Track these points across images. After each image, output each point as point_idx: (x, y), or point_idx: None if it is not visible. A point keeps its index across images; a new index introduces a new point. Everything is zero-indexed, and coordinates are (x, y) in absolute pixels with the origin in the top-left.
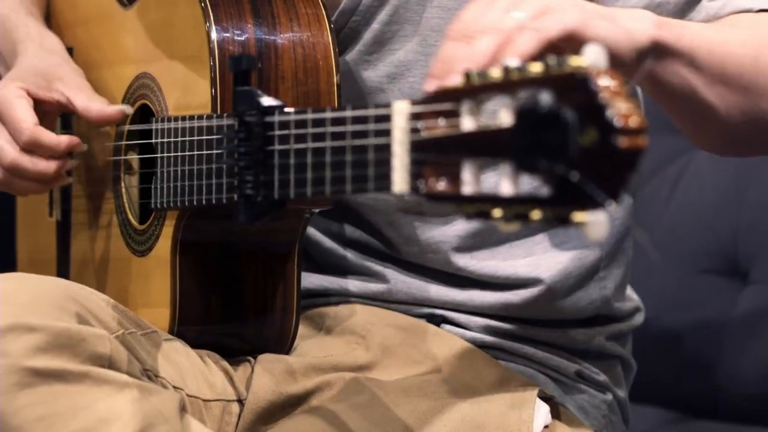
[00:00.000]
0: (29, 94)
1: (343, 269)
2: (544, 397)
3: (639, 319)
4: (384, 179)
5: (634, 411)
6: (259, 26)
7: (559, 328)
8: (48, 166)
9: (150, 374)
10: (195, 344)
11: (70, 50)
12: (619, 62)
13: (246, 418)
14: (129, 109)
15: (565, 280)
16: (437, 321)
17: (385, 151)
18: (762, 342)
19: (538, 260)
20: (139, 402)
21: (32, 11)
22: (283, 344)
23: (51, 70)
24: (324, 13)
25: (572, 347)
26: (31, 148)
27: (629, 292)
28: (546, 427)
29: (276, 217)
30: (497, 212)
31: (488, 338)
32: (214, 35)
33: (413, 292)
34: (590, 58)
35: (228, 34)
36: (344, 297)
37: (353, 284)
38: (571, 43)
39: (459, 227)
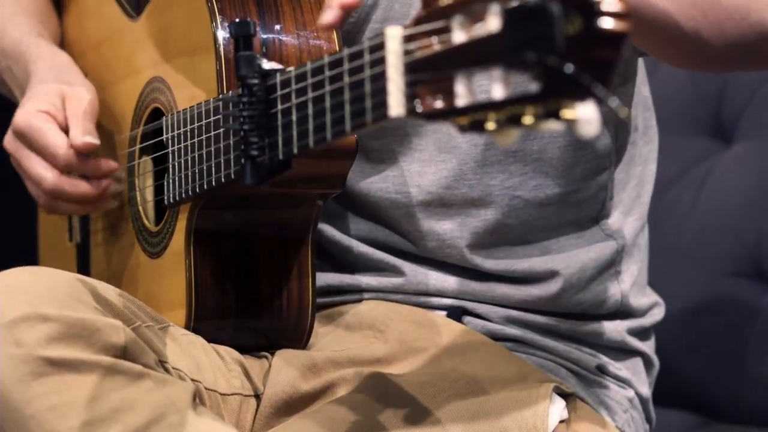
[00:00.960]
0: (51, 115)
1: (360, 265)
2: (562, 393)
3: (659, 314)
4: (381, 107)
5: (658, 414)
6: (263, 14)
7: (579, 320)
8: (90, 188)
9: (167, 366)
10: (211, 340)
11: (85, 75)
12: None
13: (263, 412)
14: (95, 141)
15: (582, 273)
16: (458, 313)
17: (380, 79)
18: None
19: (553, 256)
20: (151, 392)
21: (42, 33)
22: (300, 338)
23: (62, 87)
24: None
25: (593, 341)
26: (70, 170)
27: (649, 290)
28: (563, 421)
29: (288, 205)
30: (491, 118)
31: (510, 330)
32: (216, 23)
33: (431, 283)
34: None
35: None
36: (362, 293)
37: (371, 279)
38: None
39: (476, 224)
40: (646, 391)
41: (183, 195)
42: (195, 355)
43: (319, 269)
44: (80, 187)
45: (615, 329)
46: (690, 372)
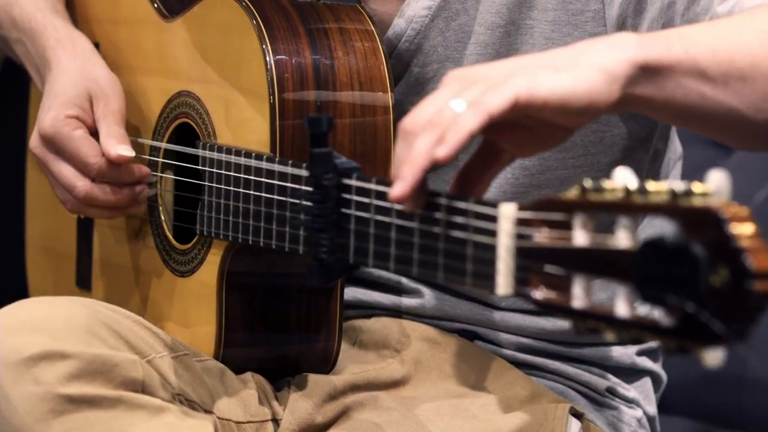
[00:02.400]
0: (80, 120)
1: (376, 284)
2: (575, 413)
3: None
4: (487, 279)
5: (661, 422)
6: (317, 60)
7: (591, 346)
8: (122, 195)
9: (181, 398)
10: (239, 367)
11: (96, 45)
12: (597, 105)
13: None
14: (130, 153)
15: None
16: (469, 337)
17: (488, 251)
18: None
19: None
20: (174, 426)
21: (58, 9)
22: (326, 364)
23: (92, 86)
24: (379, 44)
25: (603, 363)
26: (101, 179)
27: None
28: None
29: None
30: (611, 331)
31: (520, 355)
32: (272, 68)
33: (446, 308)
34: (715, 185)
35: (286, 69)
36: (377, 310)
37: (386, 297)
38: (529, 109)
39: None
40: (653, 410)
41: (220, 237)
42: (210, 384)
43: None
44: (113, 195)
45: (625, 353)
46: (692, 379)
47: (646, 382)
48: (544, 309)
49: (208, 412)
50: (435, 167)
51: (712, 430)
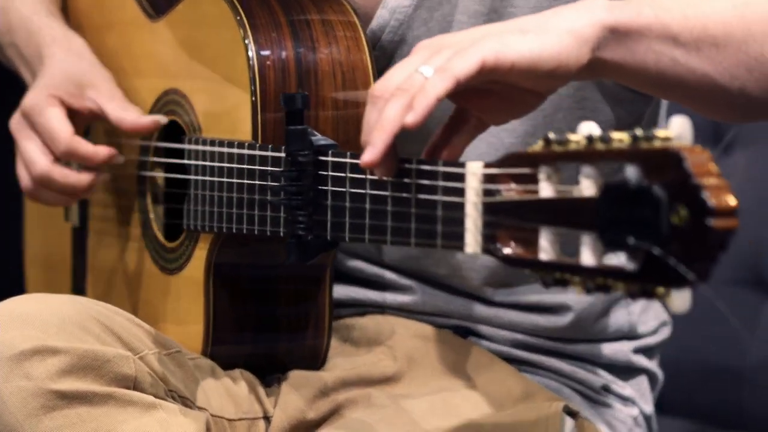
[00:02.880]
0: (62, 102)
1: (368, 281)
2: (569, 412)
3: (666, 333)
4: (455, 238)
5: (659, 422)
6: (299, 50)
7: (586, 342)
8: (79, 179)
9: (174, 395)
10: (227, 363)
11: None
12: (565, 67)
13: None
14: (163, 119)
15: (592, 308)
16: (462, 333)
17: (456, 210)
18: None
19: (565, 291)
20: (165, 423)
21: (53, 12)
22: (315, 361)
23: (82, 75)
24: (362, 35)
25: (598, 361)
26: (67, 158)
27: (657, 305)
28: None
29: None
30: (577, 281)
31: (515, 352)
32: (254, 61)
33: (439, 304)
34: (676, 130)
35: (269, 61)
36: (370, 307)
37: (379, 295)
38: (494, 75)
39: (488, 258)
40: (649, 408)
41: (206, 229)
42: (202, 381)
43: None
44: (70, 177)
45: (621, 350)
46: (690, 379)
47: (642, 381)
48: (512, 264)
49: (202, 409)
50: (405, 133)
51: (709, 429)
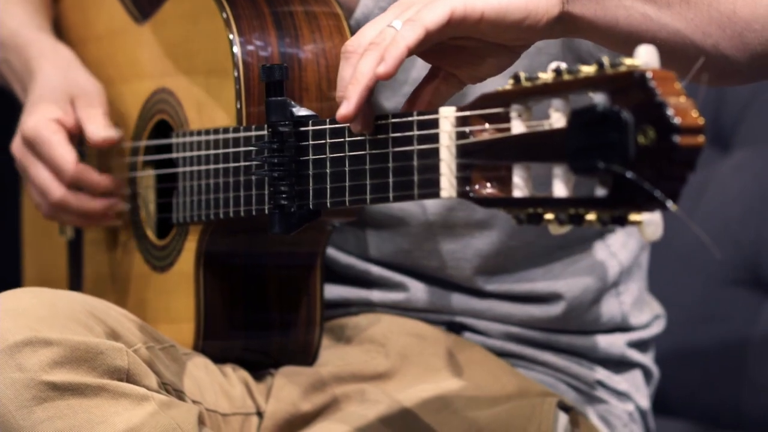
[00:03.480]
0: (61, 124)
1: (362, 280)
2: (564, 407)
3: (659, 326)
4: (431, 185)
5: (658, 423)
6: (282, 38)
7: (579, 335)
8: (94, 205)
9: (168, 388)
10: (219, 358)
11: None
12: (534, 18)
13: (265, 430)
14: (115, 134)
15: (584, 296)
16: (457, 328)
17: (431, 156)
18: None
19: (556, 278)
20: (157, 415)
21: (43, 26)
22: (307, 356)
23: (72, 87)
24: (345, 24)
25: (593, 355)
26: (75, 186)
27: (649, 299)
28: None
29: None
30: (550, 215)
31: (509, 346)
32: (237, 47)
33: (433, 300)
34: (642, 58)
35: (251, 47)
36: (363, 306)
37: (373, 294)
38: (464, 26)
39: (479, 246)
40: (645, 403)
41: (195, 219)
42: (196, 376)
43: None
44: (86, 203)
45: (614, 343)
46: (689, 380)
47: (637, 375)
48: (486, 205)
49: (196, 402)
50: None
51: (709, 430)
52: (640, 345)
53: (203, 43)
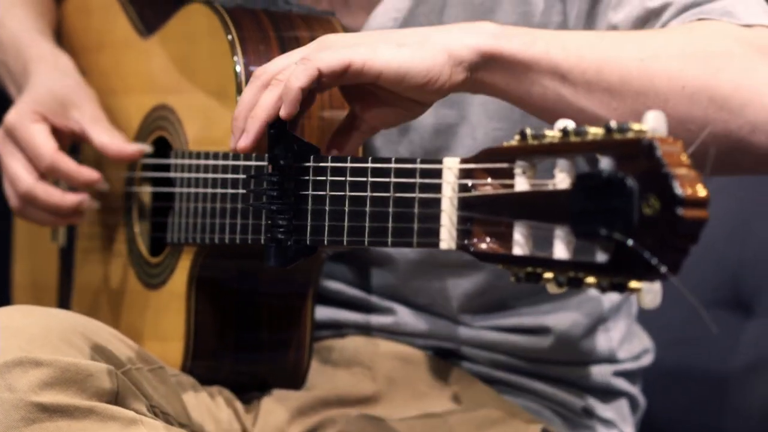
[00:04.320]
0: (45, 118)
1: (350, 303)
2: None
3: (647, 359)
4: (430, 235)
5: None
6: None
7: (566, 365)
8: (62, 198)
9: (156, 410)
10: (207, 379)
11: (81, 74)
12: (437, 82)
13: None
14: (148, 149)
15: (572, 330)
16: (444, 354)
17: (432, 206)
18: (767, 374)
19: (545, 314)
20: None
21: (44, 30)
22: (296, 380)
23: (66, 95)
24: None
25: (579, 383)
26: (51, 174)
27: (639, 331)
28: None
29: None
30: (549, 275)
31: (495, 373)
32: (241, 70)
33: (420, 326)
34: (650, 123)
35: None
36: (351, 329)
37: (360, 317)
38: (363, 77)
39: (467, 286)
40: (630, 431)
41: (189, 241)
42: (184, 398)
43: None
44: (53, 196)
45: (601, 372)
46: (671, 402)
47: (623, 404)
48: (485, 260)
49: (183, 425)
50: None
51: None
52: (628, 375)
53: (207, 63)
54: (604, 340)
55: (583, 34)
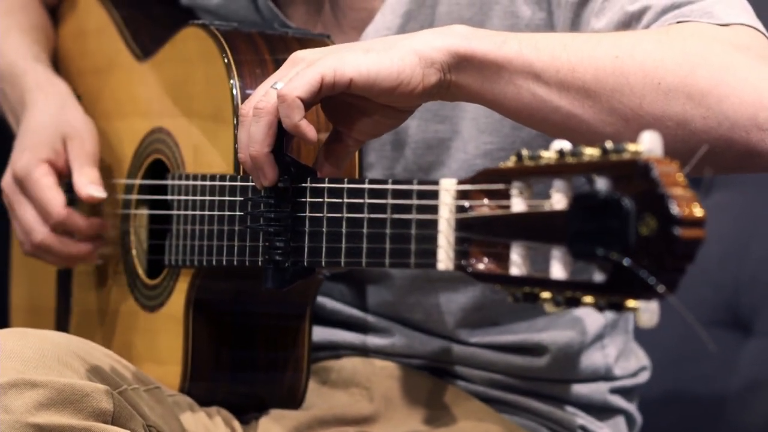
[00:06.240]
0: (51, 164)
1: (347, 324)
2: None
3: (644, 377)
4: (428, 256)
5: None
6: None
7: (562, 383)
8: (78, 249)
9: (152, 430)
10: (205, 400)
11: (78, 98)
12: (410, 85)
13: None
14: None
15: (568, 348)
16: (440, 373)
17: (429, 227)
18: (765, 394)
19: (540, 331)
20: None
21: (40, 57)
22: (293, 401)
23: (64, 129)
24: None
25: (576, 401)
26: (61, 229)
27: (636, 349)
28: None
29: None
30: (546, 295)
31: (491, 392)
32: (237, 93)
33: (415, 345)
34: (646, 144)
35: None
36: (347, 350)
37: (356, 337)
38: (336, 88)
39: (463, 301)
40: None
41: (187, 263)
42: (180, 418)
43: None
44: (69, 247)
45: (598, 390)
46: (669, 420)
47: (620, 421)
48: (483, 280)
49: None
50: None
51: None
52: (624, 392)
53: (204, 87)
54: (601, 357)
55: (556, 35)
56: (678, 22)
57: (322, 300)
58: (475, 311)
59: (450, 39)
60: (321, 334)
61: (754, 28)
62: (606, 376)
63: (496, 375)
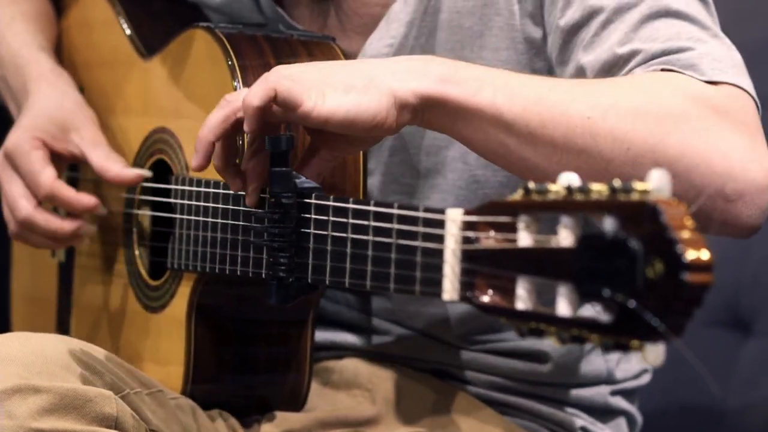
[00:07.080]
0: (45, 144)
1: (348, 325)
2: None
3: (645, 378)
4: (433, 284)
5: None
6: None
7: (564, 387)
8: (61, 225)
9: None
10: (207, 403)
11: (80, 90)
12: (384, 125)
13: None
14: (147, 173)
15: (570, 354)
16: (442, 375)
17: (435, 256)
18: (765, 394)
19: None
20: None
21: (44, 46)
22: (295, 402)
23: (66, 117)
24: None
25: (578, 403)
26: (50, 202)
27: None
28: None
29: None
30: (553, 331)
31: (493, 394)
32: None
33: (418, 349)
34: (654, 183)
35: None
36: (349, 351)
37: (358, 339)
38: (308, 119)
39: (463, 310)
40: None
41: (189, 268)
42: (183, 421)
43: None
44: (52, 223)
45: (599, 392)
46: (669, 422)
47: (621, 423)
48: (488, 312)
49: None
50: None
51: None
52: (626, 393)
53: (207, 89)
54: (602, 362)
55: (536, 83)
56: (662, 69)
57: (325, 302)
58: (475, 321)
59: (426, 82)
60: (323, 335)
61: (739, 87)
62: (608, 379)
63: (497, 378)
